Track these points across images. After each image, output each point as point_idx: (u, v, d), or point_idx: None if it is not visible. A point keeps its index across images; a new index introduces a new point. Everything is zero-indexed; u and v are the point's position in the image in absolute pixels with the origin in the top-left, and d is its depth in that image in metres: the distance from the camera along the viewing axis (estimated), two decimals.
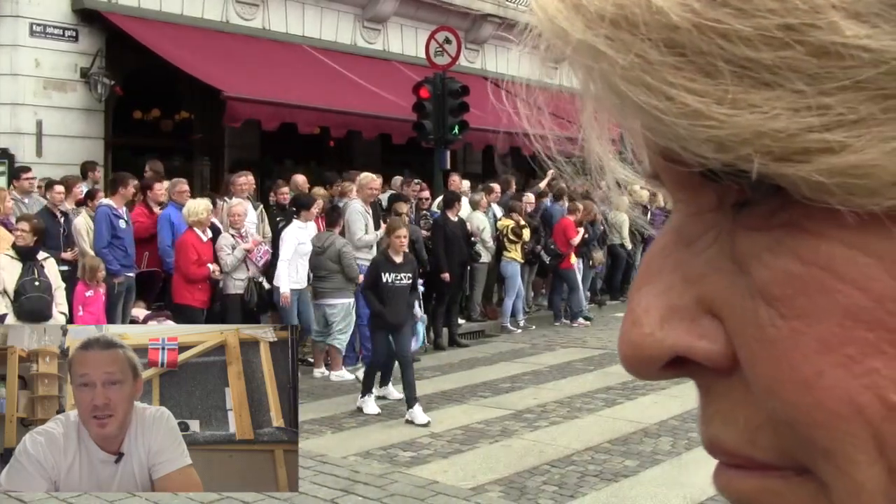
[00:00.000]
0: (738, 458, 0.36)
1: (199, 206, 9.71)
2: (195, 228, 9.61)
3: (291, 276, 9.69)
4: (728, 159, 0.32)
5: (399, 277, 8.16)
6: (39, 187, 10.86)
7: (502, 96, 0.43)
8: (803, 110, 0.30)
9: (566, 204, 14.51)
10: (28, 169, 11.31)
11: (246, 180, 11.01)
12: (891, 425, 0.31)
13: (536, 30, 0.36)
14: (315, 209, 10.07)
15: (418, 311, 9.48)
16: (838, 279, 0.32)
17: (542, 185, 15.25)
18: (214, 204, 10.58)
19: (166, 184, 10.93)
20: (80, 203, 10.54)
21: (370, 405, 8.38)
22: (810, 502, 0.35)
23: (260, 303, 10.11)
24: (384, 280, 8.10)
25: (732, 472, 0.37)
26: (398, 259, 8.26)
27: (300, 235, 9.75)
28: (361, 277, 10.18)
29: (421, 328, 9.54)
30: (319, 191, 11.79)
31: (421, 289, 10.00)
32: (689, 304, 0.36)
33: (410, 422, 7.89)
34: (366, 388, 8.47)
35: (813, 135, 0.30)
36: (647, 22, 0.32)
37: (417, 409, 7.96)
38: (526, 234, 13.28)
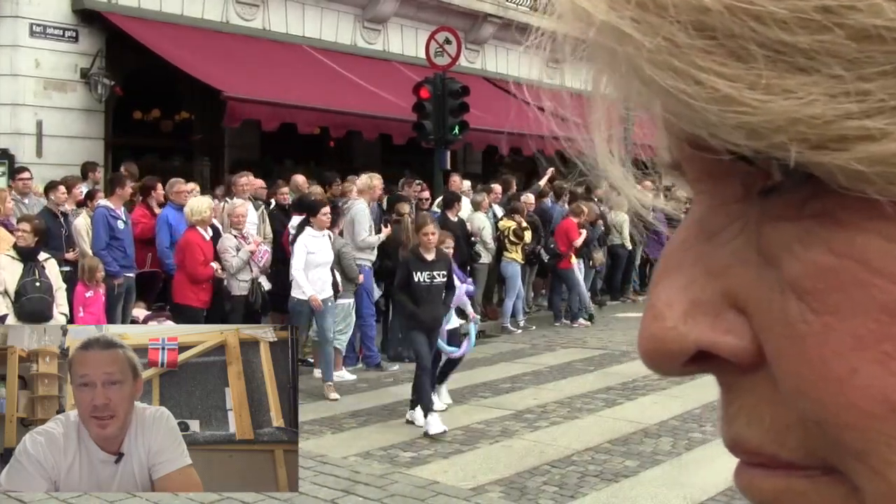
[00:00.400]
0: (762, 456, 0.35)
1: (202, 205, 9.68)
2: (198, 227, 9.59)
3: (304, 286, 9.17)
4: (760, 146, 0.31)
5: (432, 275, 7.73)
6: (28, 185, 10.84)
7: (525, 96, 0.42)
8: (841, 96, 0.29)
9: (566, 204, 14.54)
10: (23, 169, 11.31)
11: (247, 181, 11.00)
12: None
13: (556, 12, 0.35)
14: (323, 216, 9.43)
15: (471, 311, 8.70)
16: (875, 273, 0.31)
17: (542, 182, 15.26)
18: None
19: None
20: (80, 204, 10.55)
21: (434, 424, 7.43)
22: None
23: (263, 304, 10.12)
24: (416, 279, 7.68)
25: (755, 471, 0.36)
26: (430, 256, 7.80)
27: (310, 244, 9.19)
28: (362, 277, 10.17)
29: (473, 330, 8.66)
30: (316, 189, 11.77)
31: (471, 288, 9.13)
32: (714, 297, 0.35)
33: (411, 422, 7.75)
34: (424, 404, 7.59)
35: (852, 122, 0.29)
36: (676, 4, 0.31)
37: (419, 412, 7.70)
38: (527, 236, 13.27)
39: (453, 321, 8.22)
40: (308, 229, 9.31)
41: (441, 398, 8.22)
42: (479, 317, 9.14)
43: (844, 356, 0.31)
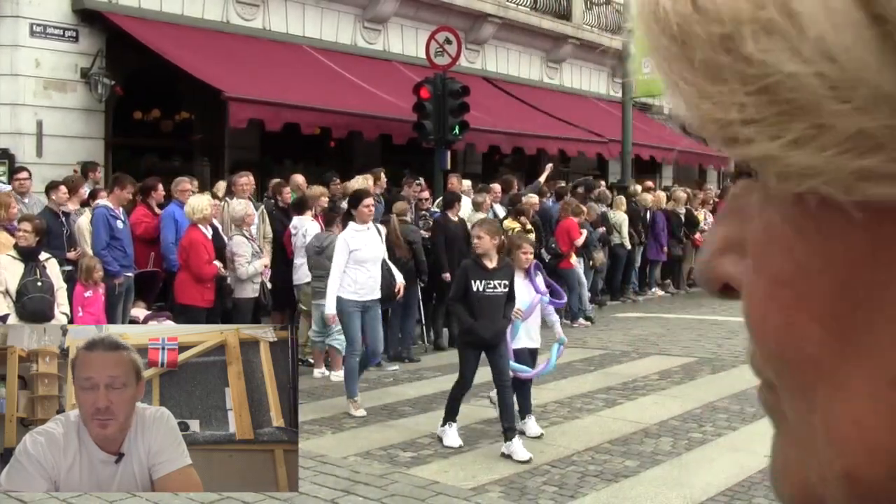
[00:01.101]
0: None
1: (202, 203, 9.67)
2: (199, 226, 9.59)
3: (348, 287, 8.42)
4: (698, 136, 0.39)
5: (492, 286, 7.05)
6: (24, 185, 10.85)
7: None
8: (733, 106, 0.36)
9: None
10: (21, 170, 11.31)
11: (247, 180, 11.00)
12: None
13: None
14: (365, 207, 8.65)
15: (559, 330, 8.00)
16: (772, 243, 0.39)
17: (541, 179, 15.26)
18: None
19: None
20: (84, 204, 10.56)
21: (451, 436, 7.19)
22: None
23: (273, 303, 10.27)
24: (474, 289, 7.02)
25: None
26: (490, 264, 7.09)
27: (353, 241, 8.48)
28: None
29: (556, 351, 7.90)
30: (316, 190, 11.77)
31: (558, 300, 8.31)
32: (741, 243, 0.43)
33: (508, 456, 6.83)
34: (448, 415, 7.26)
35: (734, 127, 0.36)
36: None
37: (517, 442, 6.89)
38: (531, 238, 13.23)
39: (519, 339, 7.54)
40: (351, 224, 8.68)
41: (529, 430, 7.47)
42: (565, 337, 8.15)
43: (761, 305, 0.40)
